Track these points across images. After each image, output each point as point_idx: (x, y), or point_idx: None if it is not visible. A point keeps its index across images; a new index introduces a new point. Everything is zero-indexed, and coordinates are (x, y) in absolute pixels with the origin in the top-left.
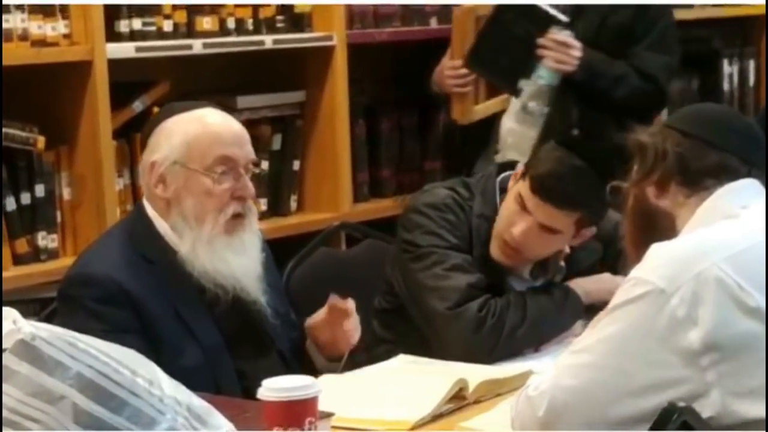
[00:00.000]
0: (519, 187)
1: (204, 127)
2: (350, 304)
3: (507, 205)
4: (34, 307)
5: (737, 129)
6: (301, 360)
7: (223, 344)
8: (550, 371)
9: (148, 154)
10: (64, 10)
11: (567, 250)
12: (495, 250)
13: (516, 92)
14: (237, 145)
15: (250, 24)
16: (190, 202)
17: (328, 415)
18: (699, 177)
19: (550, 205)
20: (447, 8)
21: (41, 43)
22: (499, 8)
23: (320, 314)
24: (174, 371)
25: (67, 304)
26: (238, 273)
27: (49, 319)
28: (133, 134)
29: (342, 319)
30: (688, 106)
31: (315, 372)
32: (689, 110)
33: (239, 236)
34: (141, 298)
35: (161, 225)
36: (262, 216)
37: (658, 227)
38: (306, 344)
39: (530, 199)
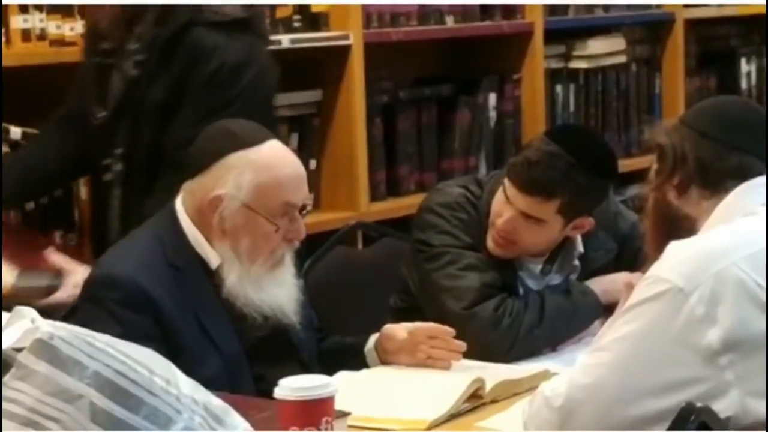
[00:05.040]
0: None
1: (275, 172)
2: (436, 328)
3: (497, 196)
4: None
5: (755, 127)
6: (323, 364)
7: (242, 352)
8: (567, 373)
9: (209, 182)
10: (82, 10)
11: (581, 249)
12: (489, 243)
13: None
14: (301, 190)
15: (266, 24)
16: (246, 241)
17: (345, 415)
18: (719, 179)
19: (523, 192)
20: (464, 7)
21: (60, 42)
22: None
23: (401, 334)
24: (193, 379)
25: (89, 304)
26: (282, 303)
27: (67, 318)
28: None
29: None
30: (704, 101)
31: (334, 372)
32: (705, 107)
33: (282, 270)
34: (163, 305)
35: (193, 234)
36: None
37: (678, 230)
38: (365, 348)
39: (509, 187)
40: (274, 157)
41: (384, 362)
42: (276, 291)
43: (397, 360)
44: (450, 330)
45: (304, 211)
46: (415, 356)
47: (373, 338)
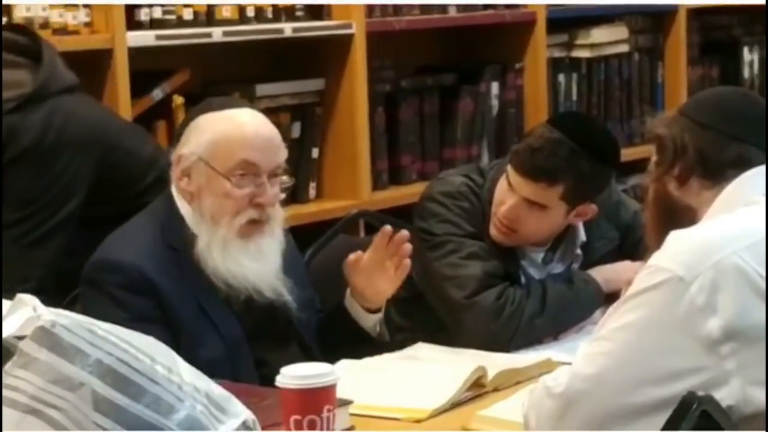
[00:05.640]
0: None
1: (233, 128)
2: (403, 233)
3: (499, 184)
4: None
5: (754, 117)
6: (322, 345)
7: (243, 335)
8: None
9: (178, 146)
10: None
11: (583, 237)
12: (492, 231)
13: None
14: (263, 150)
15: (269, 12)
16: (209, 201)
17: (347, 403)
18: (720, 170)
19: (527, 178)
20: None
21: (62, 31)
22: None
23: (365, 253)
24: (194, 362)
25: (90, 288)
26: (252, 277)
27: (70, 306)
28: (154, 122)
29: (386, 257)
30: (703, 92)
31: (336, 360)
32: (705, 97)
33: (255, 241)
34: (164, 288)
35: (188, 214)
36: (282, 203)
37: (680, 220)
38: (345, 300)
39: (512, 174)
40: (239, 117)
41: (364, 306)
42: (246, 262)
43: (369, 286)
44: (388, 229)
45: (281, 179)
46: (383, 271)
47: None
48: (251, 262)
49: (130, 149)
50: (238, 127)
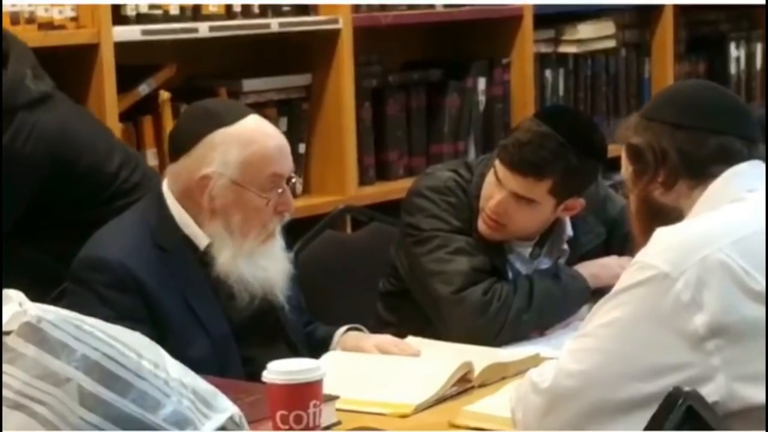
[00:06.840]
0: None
1: (259, 146)
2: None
3: (487, 179)
4: None
5: (725, 106)
6: (310, 347)
7: (230, 334)
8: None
9: (194, 163)
10: None
11: (570, 232)
12: (480, 226)
13: None
14: (284, 160)
15: (256, 7)
16: (238, 218)
17: (333, 398)
18: (704, 166)
19: (515, 173)
20: None
21: (48, 26)
22: None
23: (365, 346)
24: (181, 361)
25: (77, 286)
26: (274, 278)
27: (57, 302)
28: (140, 117)
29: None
30: (663, 92)
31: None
32: (668, 98)
33: (272, 242)
34: (151, 287)
35: (180, 215)
36: None
37: (667, 219)
38: (330, 346)
39: (500, 169)
40: (258, 130)
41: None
42: (267, 264)
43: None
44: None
45: (292, 181)
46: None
47: (338, 333)
48: (272, 263)
49: (90, 166)
50: (264, 142)
